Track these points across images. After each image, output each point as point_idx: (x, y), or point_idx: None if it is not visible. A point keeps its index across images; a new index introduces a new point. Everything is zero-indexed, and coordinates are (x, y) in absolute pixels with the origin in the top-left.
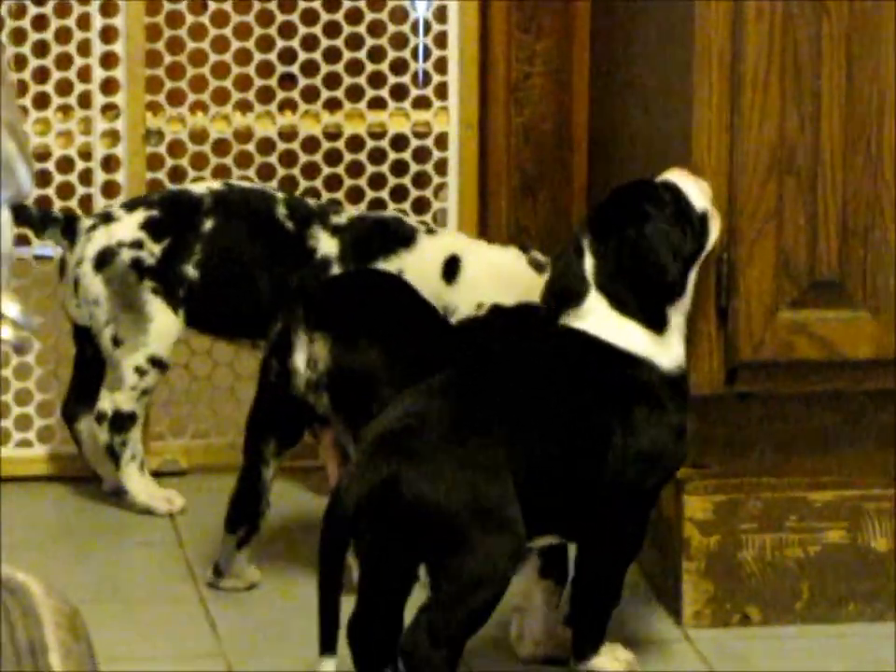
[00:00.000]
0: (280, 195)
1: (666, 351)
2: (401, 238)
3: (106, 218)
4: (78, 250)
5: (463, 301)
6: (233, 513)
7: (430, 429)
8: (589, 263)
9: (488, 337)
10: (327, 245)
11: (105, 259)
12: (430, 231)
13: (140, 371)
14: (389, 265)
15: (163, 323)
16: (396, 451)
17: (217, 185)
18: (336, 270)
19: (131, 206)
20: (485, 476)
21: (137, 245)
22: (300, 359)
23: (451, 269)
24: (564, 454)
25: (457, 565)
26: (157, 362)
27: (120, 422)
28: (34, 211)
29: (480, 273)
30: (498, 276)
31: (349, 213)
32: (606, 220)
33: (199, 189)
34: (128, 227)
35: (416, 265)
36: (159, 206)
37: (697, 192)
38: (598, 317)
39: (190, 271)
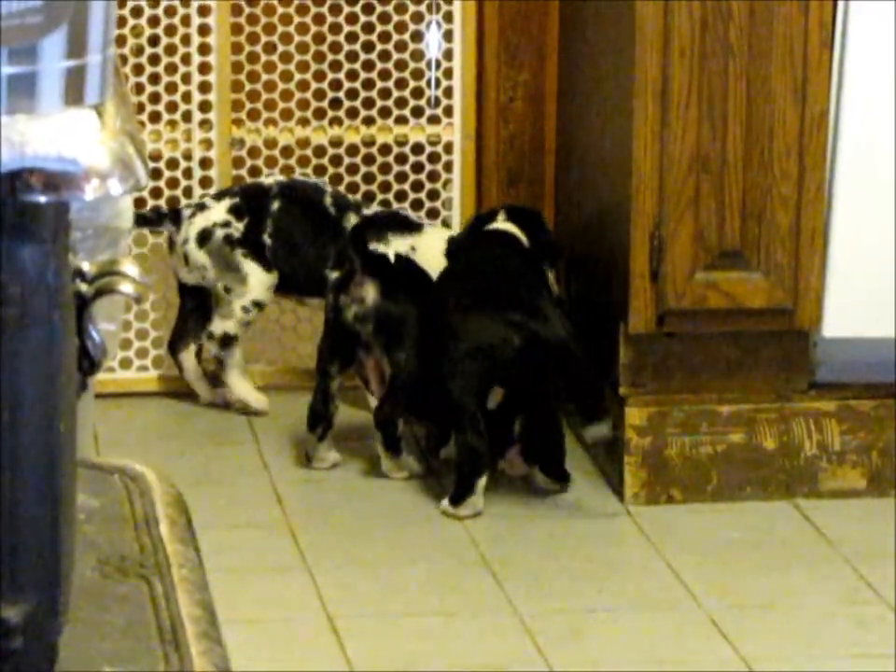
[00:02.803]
0: (329, 189)
1: None
2: (412, 226)
3: (201, 207)
4: (184, 232)
5: None
6: (312, 416)
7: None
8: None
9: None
10: None
11: (205, 237)
12: (431, 224)
13: (245, 310)
14: (403, 242)
15: (258, 276)
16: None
17: (282, 178)
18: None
19: (218, 196)
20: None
21: (226, 224)
22: (349, 298)
23: None
24: None
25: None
26: (258, 304)
27: (227, 340)
28: (149, 214)
29: None
30: None
31: (375, 207)
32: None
33: (268, 180)
34: (218, 211)
35: (426, 244)
36: (239, 195)
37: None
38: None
39: (266, 239)
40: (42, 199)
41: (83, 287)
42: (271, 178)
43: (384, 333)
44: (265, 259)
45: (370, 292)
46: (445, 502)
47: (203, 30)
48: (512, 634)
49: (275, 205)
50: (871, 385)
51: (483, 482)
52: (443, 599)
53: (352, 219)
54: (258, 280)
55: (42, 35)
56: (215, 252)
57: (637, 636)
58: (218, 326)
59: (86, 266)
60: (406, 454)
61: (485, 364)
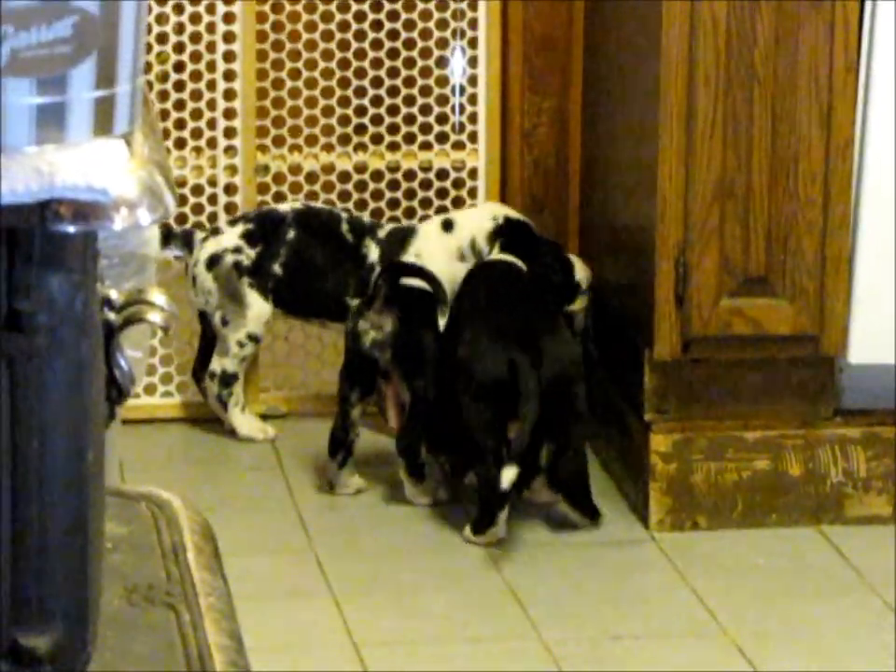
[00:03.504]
0: (344, 215)
1: None
2: (408, 233)
3: (215, 231)
4: (195, 255)
5: (463, 238)
6: (332, 443)
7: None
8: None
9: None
10: (373, 252)
11: (214, 262)
12: (421, 221)
13: (241, 344)
14: (409, 255)
15: (258, 309)
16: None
17: (297, 205)
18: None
19: (233, 222)
20: None
21: (238, 250)
22: (368, 324)
23: (447, 225)
24: None
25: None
26: (253, 337)
27: (227, 379)
28: (163, 231)
29: (464, 220)
30: (474, 217)
31: (385, 228)
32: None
33: (284, 207)
34: (231, 237)
35: (423, 238)
36: (254, 221)
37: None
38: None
39: (277, 269)
40: (71, 229)
41: (111, 316)
42: (286, 205)
43: (402, 361)
44: (267, 289)
45: (389, 320)
46: (467, 530)
47: (228, 56)
48: (537, 660)
49: (291, 234)
50: None
51: (504, 513)
52: (468, 626)
53: (369, 244)
54: (257, 311)
55: (71, 66)
56: (222, 278)
57: (663, 663)
58: (217, 364)
59: (113, 295)
60: (429, 480)
61: (495, 399)
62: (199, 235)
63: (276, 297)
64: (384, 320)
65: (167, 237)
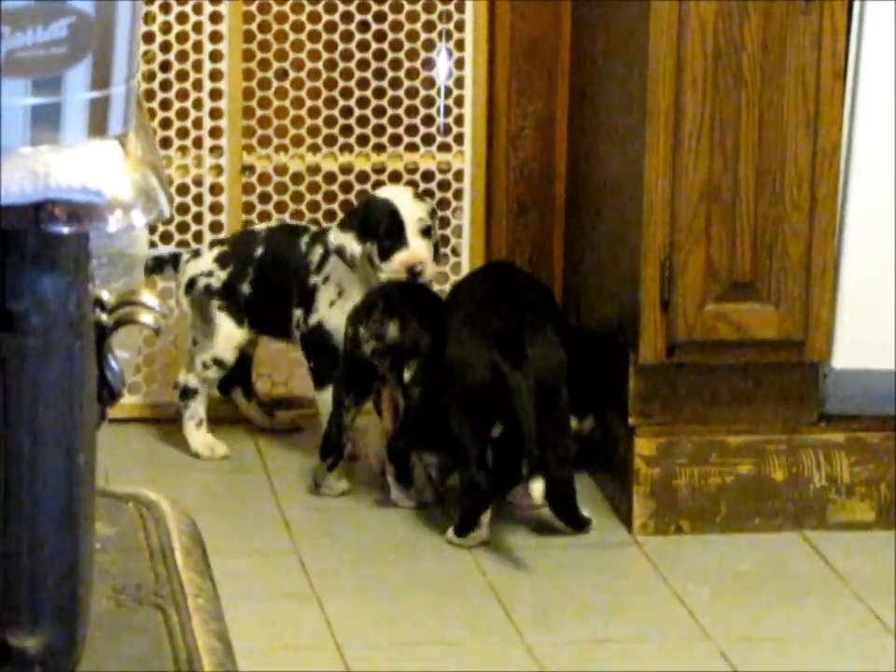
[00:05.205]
0: (312, 228)
1: None
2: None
3: (196, 254)
4: (179, 278)
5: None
6: (324, 446)
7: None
8: None
9: None
10: (316, 257)
11: (190, 285)
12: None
13: (205, 366)
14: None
15: (227, 332)
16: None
17: (273, 224)
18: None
19: (213, 244)
20: None
21: (210, 273)
22: (368, 332)
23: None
24: None
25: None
26: (218, 361)
27: (186, 392)
28: (149, 263)
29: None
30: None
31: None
32: None
33: (259, 227)
34: (206, 260)
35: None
36: (229, 243)
37: None
38: None
39: (246, 288)
40: (65, 230)
41: (103, 317)
42: (263, 225)
43: (400, 368)
44: (240, 311)
45: (390, 329)
46: (451, 532)
47: (215, 55)
48: (520, 664)
49: (259, 251)
50: (880, 417)
51: (487, 516)
52: (451, 628)
53: (317, 251)
54: (226, 335)
55: (67, 67)
56: (196, 301)
57: (645, 667)
58: (182, 376)
59: (105, 296)
60: (416, 483)
61: (479, 404)
62: (184, 258)
63: (249, 318)
64: (384, 329)
65: (160, 266)
